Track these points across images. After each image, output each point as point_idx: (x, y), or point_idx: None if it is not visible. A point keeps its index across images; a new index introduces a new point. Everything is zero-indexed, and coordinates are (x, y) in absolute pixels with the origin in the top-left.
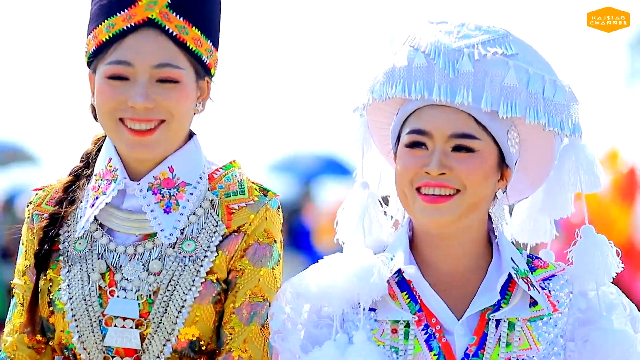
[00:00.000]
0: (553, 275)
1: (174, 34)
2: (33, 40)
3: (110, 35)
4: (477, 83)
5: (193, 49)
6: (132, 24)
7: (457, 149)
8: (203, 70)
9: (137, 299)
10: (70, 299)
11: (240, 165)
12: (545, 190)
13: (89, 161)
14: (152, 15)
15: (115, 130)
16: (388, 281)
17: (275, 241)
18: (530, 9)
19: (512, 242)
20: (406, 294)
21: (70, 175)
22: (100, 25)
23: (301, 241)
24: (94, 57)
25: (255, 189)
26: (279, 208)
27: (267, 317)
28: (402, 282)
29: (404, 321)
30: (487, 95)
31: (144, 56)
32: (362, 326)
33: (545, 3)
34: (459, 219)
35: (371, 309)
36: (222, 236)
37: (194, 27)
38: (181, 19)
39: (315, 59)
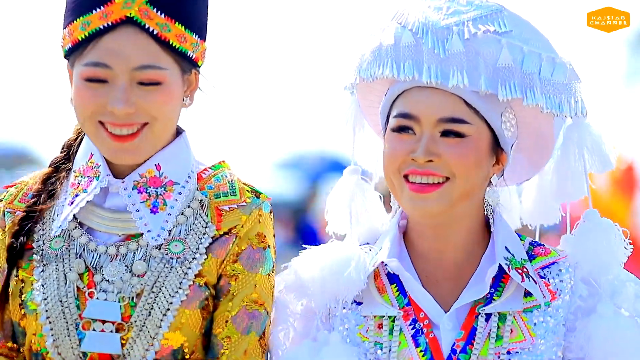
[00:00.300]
0: (553, 263)
1: (155, 32)
2: (39, 44)
3: (86, 34)
4: (471, 64)
5: (177, 47)
6: (109, 23)
7: (446, 134)
8: (189, 64)
9: (119, 301)
10: (45, 299)
11: (230, 166)
12: (554, 172)
13: (69, 152)
14: (130, 14)
15: (95, 134)
16: (377, 273)
17: (269, 246)
18: (530, 9)
19: (523, 227)
20: (396, 287)
21: (50, 166)
22: (75, 22)
23: (308, 240)
24: (71, 54)
25: (247, 191)
26: (271, 212)
27: (266, 328)
28: (393, 274)
29: (389, 316)
30: (484, 77)
31: (123, 58)
32: (337, 325)
33: (545, 3)
34: (450, 209)
35: (358, 303)
36: (212, 238)
37: (177, 23)
38: (163, 15)
39: (321, 56)
